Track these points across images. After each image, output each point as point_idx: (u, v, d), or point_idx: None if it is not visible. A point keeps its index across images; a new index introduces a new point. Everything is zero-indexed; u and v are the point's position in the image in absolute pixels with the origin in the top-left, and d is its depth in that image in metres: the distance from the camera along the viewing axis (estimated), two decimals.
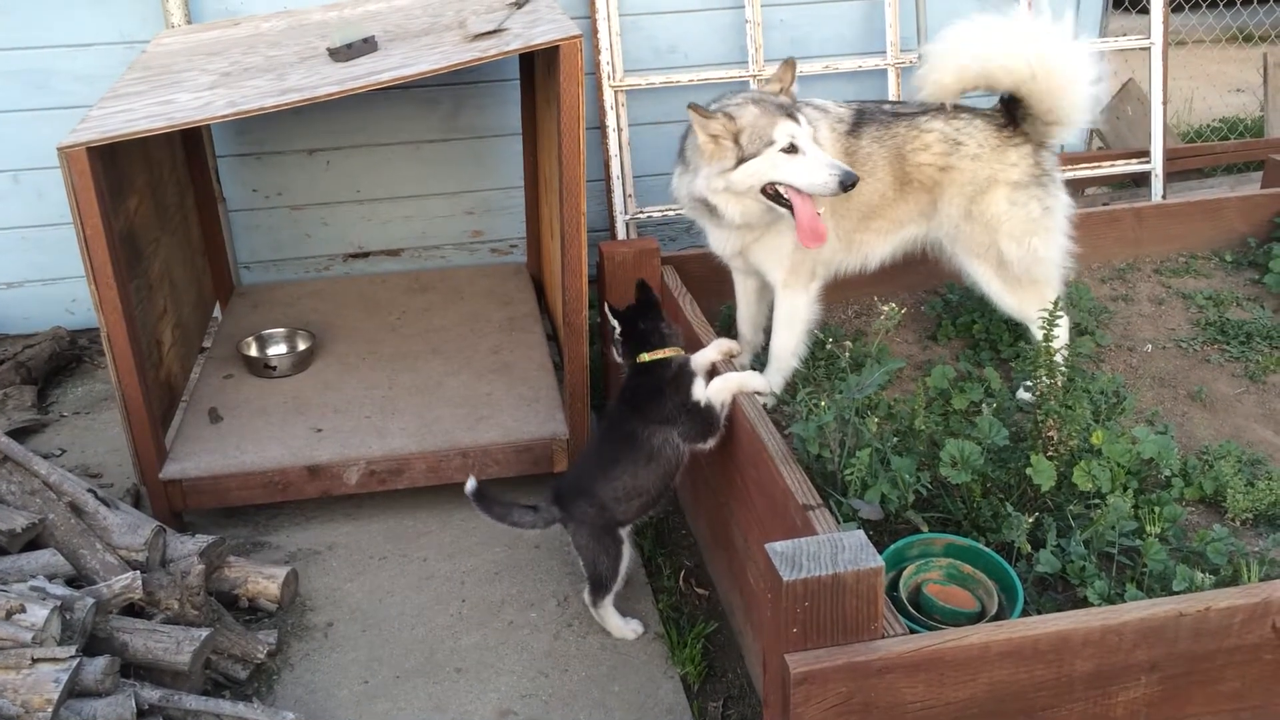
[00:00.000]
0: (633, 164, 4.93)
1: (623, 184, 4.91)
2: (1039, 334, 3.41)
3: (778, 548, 2.18)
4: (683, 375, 3.12)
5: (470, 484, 3.16)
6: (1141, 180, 5.62)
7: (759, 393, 3.07)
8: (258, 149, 4.88)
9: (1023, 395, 3.37)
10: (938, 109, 3.53)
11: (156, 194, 4.01)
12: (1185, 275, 4.42)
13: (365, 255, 5.19)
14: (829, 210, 3.41)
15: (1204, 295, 4.20)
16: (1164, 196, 5.40)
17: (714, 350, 3.20)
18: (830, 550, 2.16)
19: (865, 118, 3.48)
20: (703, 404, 3.05)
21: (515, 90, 4.80)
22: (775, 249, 3.42)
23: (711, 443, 3.10)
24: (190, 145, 4.54)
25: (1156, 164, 5.41)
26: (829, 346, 3.41)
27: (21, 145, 4.63)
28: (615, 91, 4.85)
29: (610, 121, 4.85)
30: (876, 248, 3.58)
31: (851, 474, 2.71)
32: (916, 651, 2.16)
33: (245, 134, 4.83)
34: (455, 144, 5.03)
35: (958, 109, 3.55)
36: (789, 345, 3.51)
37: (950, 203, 3.48)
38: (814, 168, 3.07)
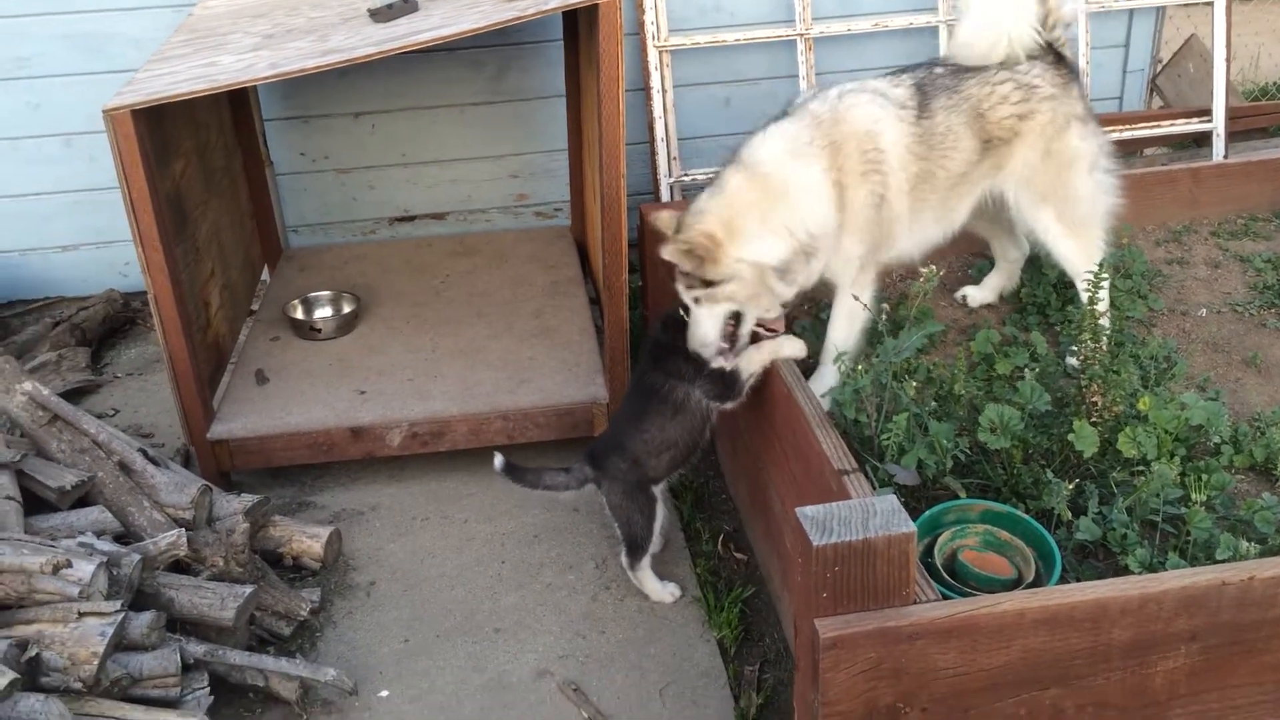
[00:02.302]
0: (677, 126, 4.88)
1: (667, 146, 4.86)
2: (1085, 294, 3.35)
3: (808, 512, 2.15)
4: None
5: (499, 460, 3.18)
6: (1203, 140, 5.46)
7: (795, 358, 3.04)
8: (304, 112, 4.91)
9: (1071, 361, 3.31)
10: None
11: (204, 157, 4.05)
12: (1244, 238, 4.30)
13: (411, 219, 5.21)
14: (912, 194, 3.32)
15: (1262, 258, 4.08)
16: (1225, 157, 5.25)
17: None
18: (861, 515, 2.13)
19: (928, 91, 3.37)
20: (726, 369, 3.03)
21: (559, 51, 4.76)
22: (845, 265, 3.31)
23: (731, 405, 3.10)
24: (238, 108, 4.58)
25: (1218, 123, 5.25)
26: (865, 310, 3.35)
27: (74, 109, 4.69)
28: (660, 52, 4.79)
29: (654, 83, 4.80)
30: (960, 211, 3.52)
31: (888, 439, 2.67)
32: (949, 618, 2.13)
33: (292, 97, 4.85)
34: (500, 106, 5.01)
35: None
36: (839, 339, 3.39)
37: (1030, 147, 3.43)
38: None
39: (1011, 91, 3.40)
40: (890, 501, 2.17)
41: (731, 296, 3.00)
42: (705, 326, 3.02)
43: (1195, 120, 5.32)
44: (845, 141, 3.15)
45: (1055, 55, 3.47)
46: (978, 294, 3.90)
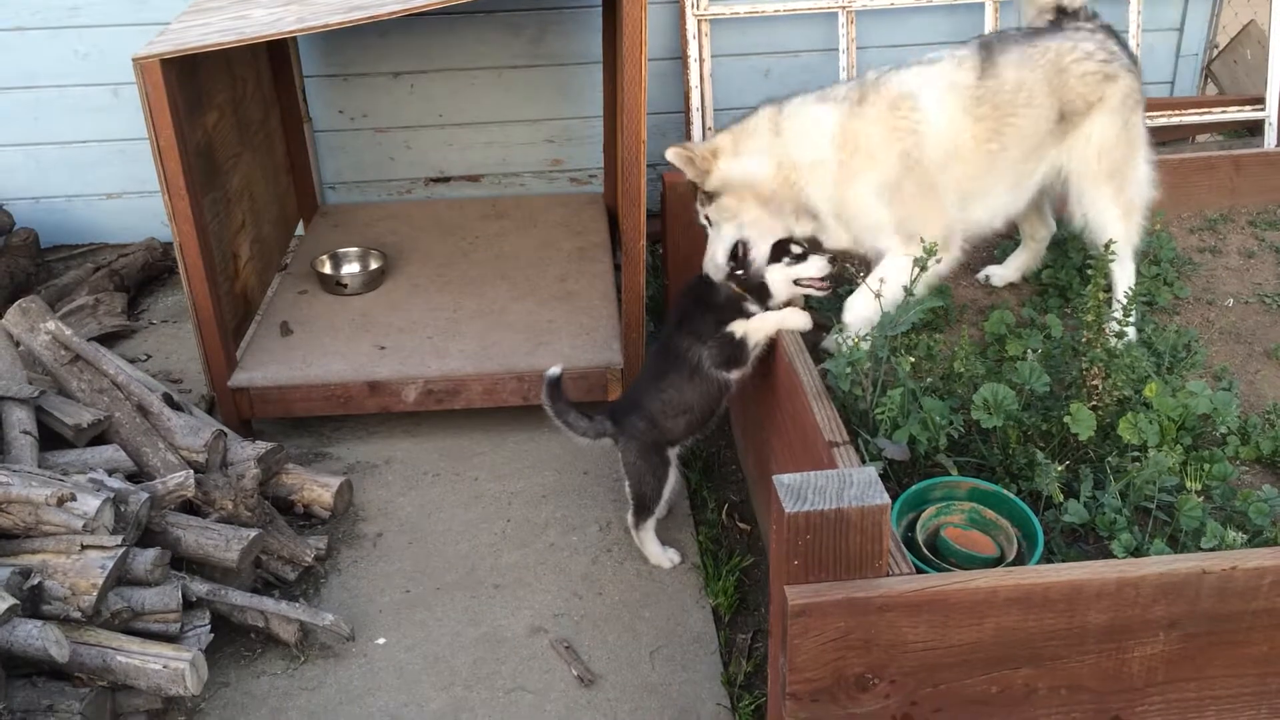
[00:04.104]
0: (714, 96, 4.86)
1: (702, 116, 4.85)
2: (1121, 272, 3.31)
3: (785, 479, 2.16)
4: (730, 303, 3.11)
5: (554, 369, 3.20)
6: (1256, 129, 5.32)
7: (800, 330, 3.03)
8: (344, 70, 4.96)
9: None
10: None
11: (239, 111, 4.11)
12: None
13: (446, 180, 5.25)
14: (982, 158, 3.18)
15: None
16: (1278, 145, 5.11)
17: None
18: (837, 485, 2.13)
19: (994, 46, 3.20)
20: (736, 336, 3.04)
21: (597, 17, 4.76)
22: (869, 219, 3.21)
23: (736, 374, 3.11)
24: (278, 64, 4.64)
25: (1271, 111, 5.11)
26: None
27: (121, 59, 4.72)
28: (698, 21, 4.77)
29: (691, 52, 4.78)
30: (1035, 179, 3.34)
31: (882, 413, 2.66)
32: (919, 592, 2.13)
33: (332, 54, 4.91)
34: (538, 70, 5.03)
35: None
36: (848, 317, 3.20)
37: (1111, 113, 3.27)
38: None
39: (1096, 49, 3.23)
40: (868, 473, 2.16)
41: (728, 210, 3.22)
42: (715, 246, 3.25)
43: (1248, 108, 5.19)
44: (875, 105, 3.13)
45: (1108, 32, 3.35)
46: (1001, 272, 3.84)
